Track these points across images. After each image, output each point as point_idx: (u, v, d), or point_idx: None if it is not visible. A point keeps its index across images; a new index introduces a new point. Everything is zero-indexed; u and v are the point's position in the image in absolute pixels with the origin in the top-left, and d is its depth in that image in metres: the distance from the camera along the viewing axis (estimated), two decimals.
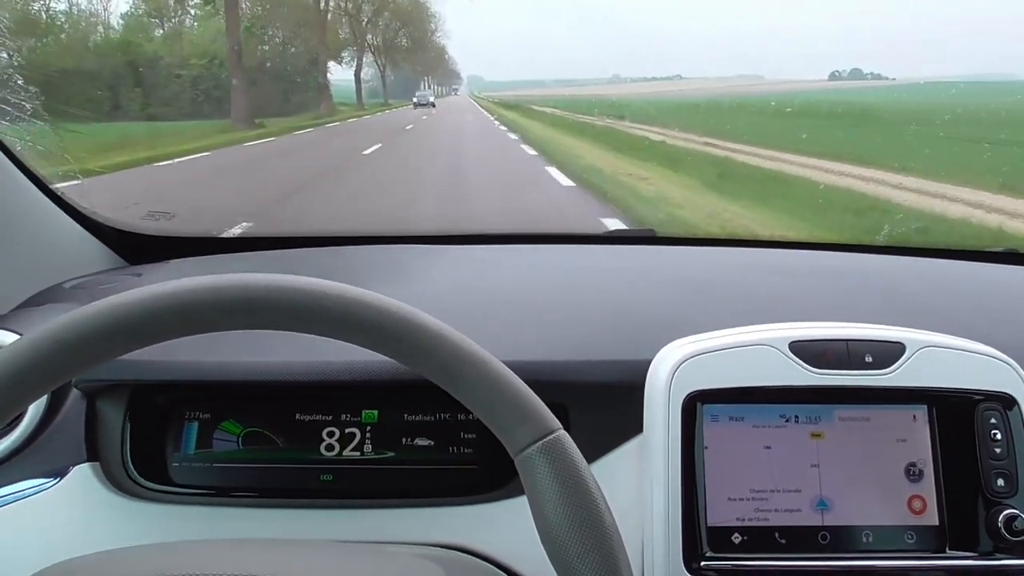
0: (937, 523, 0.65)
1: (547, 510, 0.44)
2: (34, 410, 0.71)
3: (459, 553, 0.66)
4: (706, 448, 0.65)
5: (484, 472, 0.72)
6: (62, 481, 0.69)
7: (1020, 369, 0.67)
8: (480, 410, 0.47)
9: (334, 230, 1.23)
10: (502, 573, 0.65)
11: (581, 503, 0.44)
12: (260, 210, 5.26)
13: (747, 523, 0.65)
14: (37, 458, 0.71)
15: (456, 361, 0.46)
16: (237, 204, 5.66)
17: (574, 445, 0.46)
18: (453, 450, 0.73)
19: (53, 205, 0.99)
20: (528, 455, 0.45)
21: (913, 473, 0.66)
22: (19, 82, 1.02)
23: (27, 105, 1.04)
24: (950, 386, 0.66)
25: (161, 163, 8.15)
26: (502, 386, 0.46)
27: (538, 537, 0.45)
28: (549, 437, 0.46)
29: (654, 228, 1.27)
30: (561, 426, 0.47)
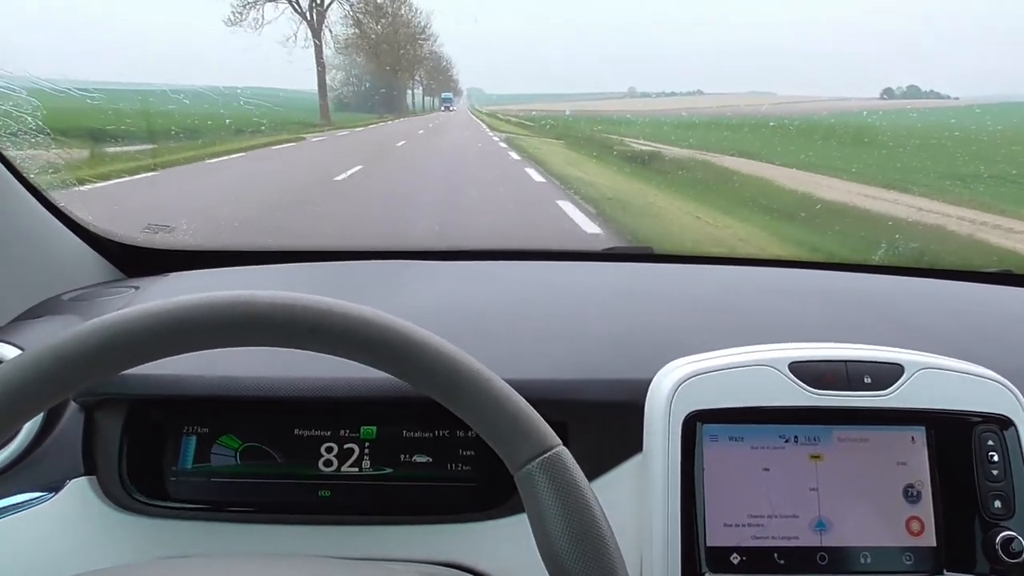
0: (935, 544, 0.66)
1: (548, 525, 0.44)
2: (31, 423, 0.70)
3: (457, 571, 0.65)
4: (704, 471, 0.65)
5: (482, 489, 0.72)
6: (58, 495, 0.69)
7: (1017, 391, 0.67)
8: (480, 426, 0.47)
9: (333, 245, 1.23)
10: None
11: (581, 518, 0.44)
12: None
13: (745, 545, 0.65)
14: (33, 471, 0.70)
15: (456, 378, 0.47)
16: None
17: (574, 461, 0.46)
18: (451, 467, 0.73)
19: (52, 217, 0.99)
20: (528, 471, 0.45)
21: (911, 494, 0.66)
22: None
23: (29, 118, 1.04)
24: (948, 408, 0.67)
25: None
26: (502, 402, 0.46)
27: (536, 555, 0.45)
28: (549, 453, 0.46)
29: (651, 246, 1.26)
30: (561, 442, 0.47)
